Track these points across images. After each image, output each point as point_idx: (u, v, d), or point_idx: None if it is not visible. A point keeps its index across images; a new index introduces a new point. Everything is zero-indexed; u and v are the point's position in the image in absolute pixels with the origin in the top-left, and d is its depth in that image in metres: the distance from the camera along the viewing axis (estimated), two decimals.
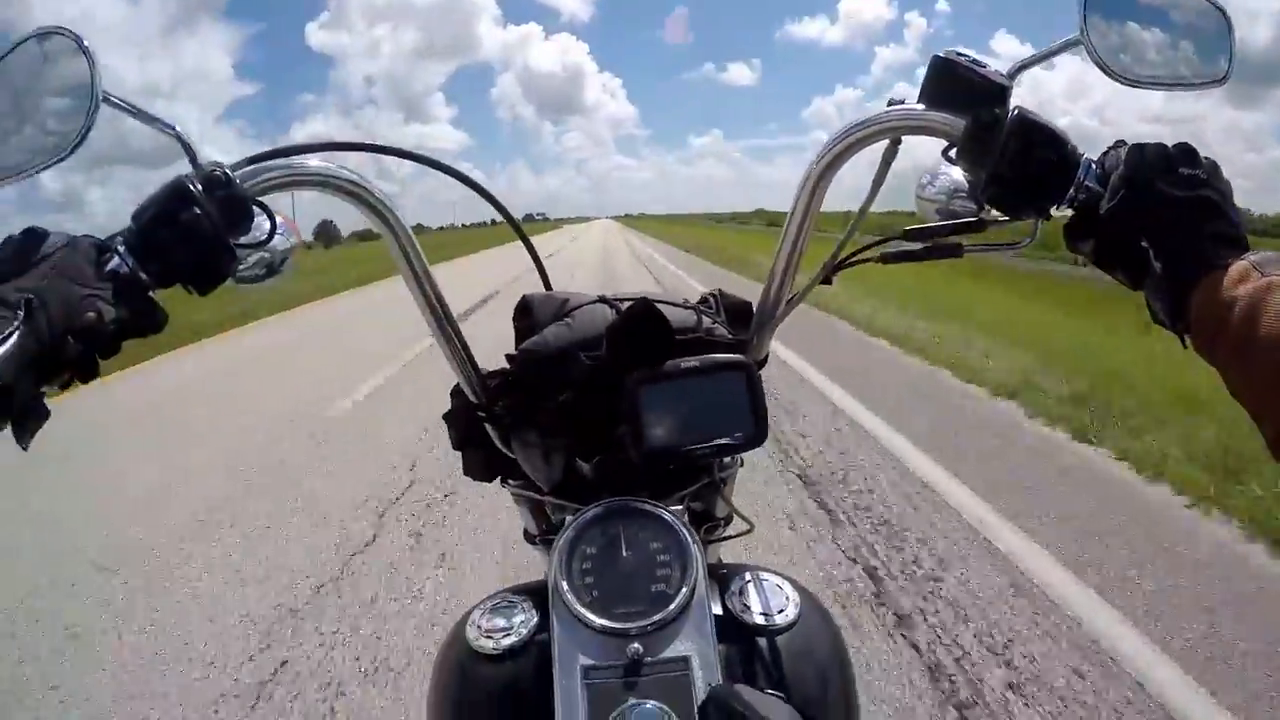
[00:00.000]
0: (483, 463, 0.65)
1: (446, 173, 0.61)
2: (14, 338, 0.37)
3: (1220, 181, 0.44)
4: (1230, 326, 0.40)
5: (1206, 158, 0.44)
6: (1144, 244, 0.44)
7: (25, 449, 0.39)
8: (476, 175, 0.64)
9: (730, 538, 0.69)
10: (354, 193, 0.52)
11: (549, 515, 0.67)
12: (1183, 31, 0.52)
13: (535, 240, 0.70)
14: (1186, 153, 0.44)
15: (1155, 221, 0.43)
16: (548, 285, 0.69)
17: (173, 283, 0.45)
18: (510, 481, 0.67)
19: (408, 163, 0.60)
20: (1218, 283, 0.41)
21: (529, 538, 0.71)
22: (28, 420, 0.39)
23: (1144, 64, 0.51)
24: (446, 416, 0.65)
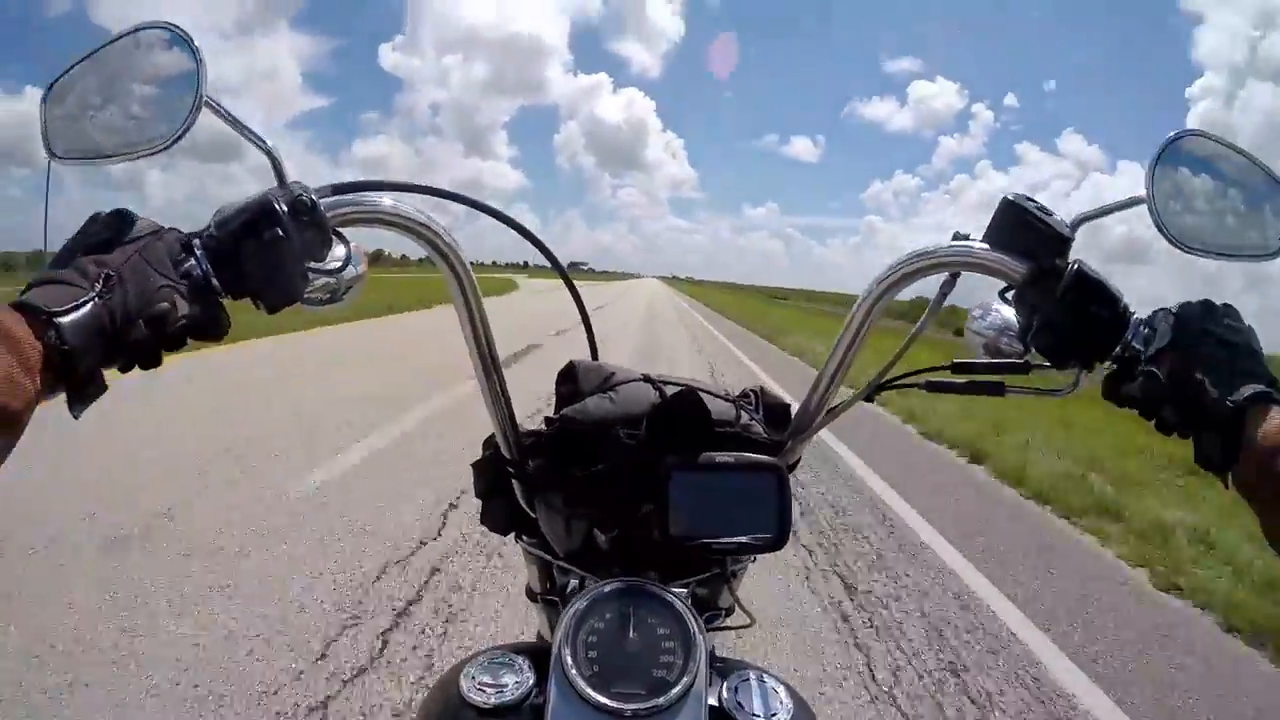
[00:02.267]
0: (503, 515, 0.65)
1: (519, 230, 0.61)
2: (87, 307, 0.37)
3: (1255, 340, 0.46)
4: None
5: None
6: (1198, 375, 0.44)
7: (76, 418, 0.39)
8: (531, 218, 0.61)
9: (730, 629, 0.68)
10: (424, 235, 0.52)
11: (554, 578, 0.67)
12: (1245, 203, 0.52)
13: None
14: (1230, 309, 0.46)
15: (1208, 357, 0.44)
16: (595, 354, 0.69)
17: (242, 295, 0.44)
18: (525, 538, 0.67)
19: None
20: (1273, 419, 0.41)
21: (531, 594, 0.71)
22: (85, 389, 0.39)
23: (1202, 231, 0.51)
24: (476, 465, 0.65)
